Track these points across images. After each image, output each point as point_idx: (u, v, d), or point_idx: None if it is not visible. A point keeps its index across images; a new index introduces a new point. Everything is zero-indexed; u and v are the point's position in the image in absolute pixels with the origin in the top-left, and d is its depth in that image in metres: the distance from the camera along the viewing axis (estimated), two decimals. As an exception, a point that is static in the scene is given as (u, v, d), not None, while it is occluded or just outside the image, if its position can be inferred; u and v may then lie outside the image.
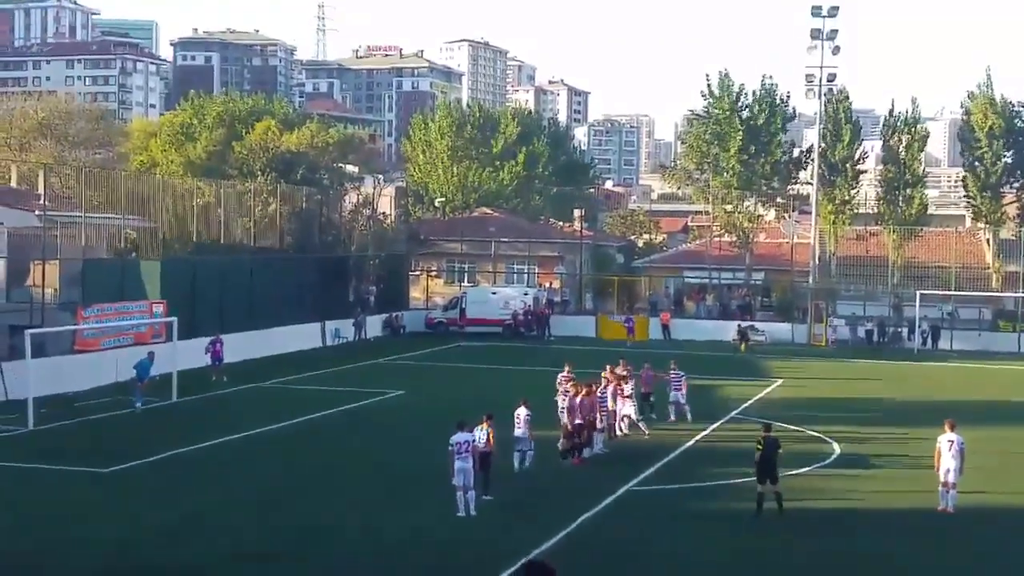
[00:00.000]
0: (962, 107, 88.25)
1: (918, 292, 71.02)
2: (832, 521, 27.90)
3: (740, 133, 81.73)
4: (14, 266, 53.33)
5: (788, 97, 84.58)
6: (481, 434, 28.95)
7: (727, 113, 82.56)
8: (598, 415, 35.37)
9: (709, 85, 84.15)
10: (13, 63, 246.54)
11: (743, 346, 68.44)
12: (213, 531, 26.28)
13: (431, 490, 29.82)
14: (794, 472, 31.70)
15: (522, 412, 32.13)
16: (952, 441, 28.48)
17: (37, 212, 56.51)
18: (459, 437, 27.61)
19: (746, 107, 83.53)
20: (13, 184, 71.58)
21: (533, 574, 9.41)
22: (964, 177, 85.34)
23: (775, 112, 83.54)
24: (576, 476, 31.87)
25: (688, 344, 68.72)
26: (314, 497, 29.52)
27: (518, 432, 31.84)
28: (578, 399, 34.22)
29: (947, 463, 28.45)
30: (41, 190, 63.08)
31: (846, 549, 25.48)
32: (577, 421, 33.90)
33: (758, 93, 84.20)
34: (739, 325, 71.36)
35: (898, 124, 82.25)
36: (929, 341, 70.61)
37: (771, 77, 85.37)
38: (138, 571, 23.45)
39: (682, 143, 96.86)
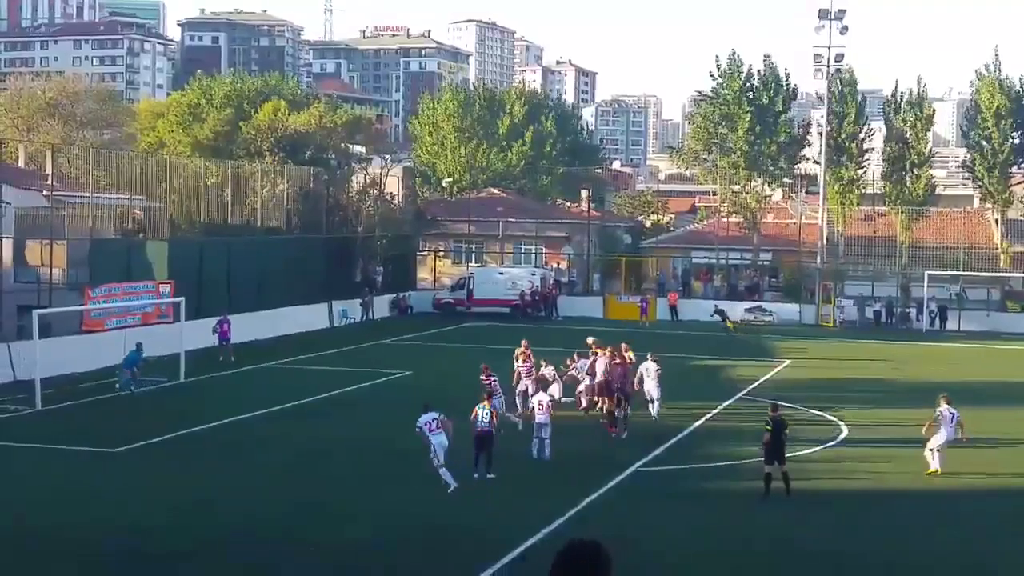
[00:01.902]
0: (970, 87, 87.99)
1: (926, 272, 70.87)
2: (840, 501, 27.94)
3: (748, 113, 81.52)
4: (21, 246, 53.38)
5: (788, 76, 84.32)
6: (484, 412, 29.00)
7: (735, 93, 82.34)
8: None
9: (719, 65, 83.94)
10: (21, 43, 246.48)
11: (730, 324, 68.08)
12: (222, 511, 26.35)
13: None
14: (801, 452, 31.73)
15: (544, 398, 32.00)
16: (954, 413, 30.32)
17: (45, 192, 56.54)
18: (426, 417, 28.13)
19: (752, 88, 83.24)
20: (21, 164, 71.55)
21: (578, 557, 7.30)
22: (972, 157, 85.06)
23: (778, 91, 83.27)
24: (583, 455, 31.87)
25: (696, 324, 68.76)
26: (322, 477, 29.57)
27: (540, 418, 31.33)
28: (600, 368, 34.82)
29: (948, 432, 30.13)
30: (49, 170, 63.03)
31: (854, 529, 25.48)
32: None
33: (763, 73, 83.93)
34: (715, 305, 71.35)
35: (902, 104, 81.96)
36: (937, 322, 70.50)
37: (771, 57, 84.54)
38: (149, 551, 23.50)
39: (690, 123, 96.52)
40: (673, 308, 73.04)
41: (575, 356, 40.23)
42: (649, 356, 38.38)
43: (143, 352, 43.27)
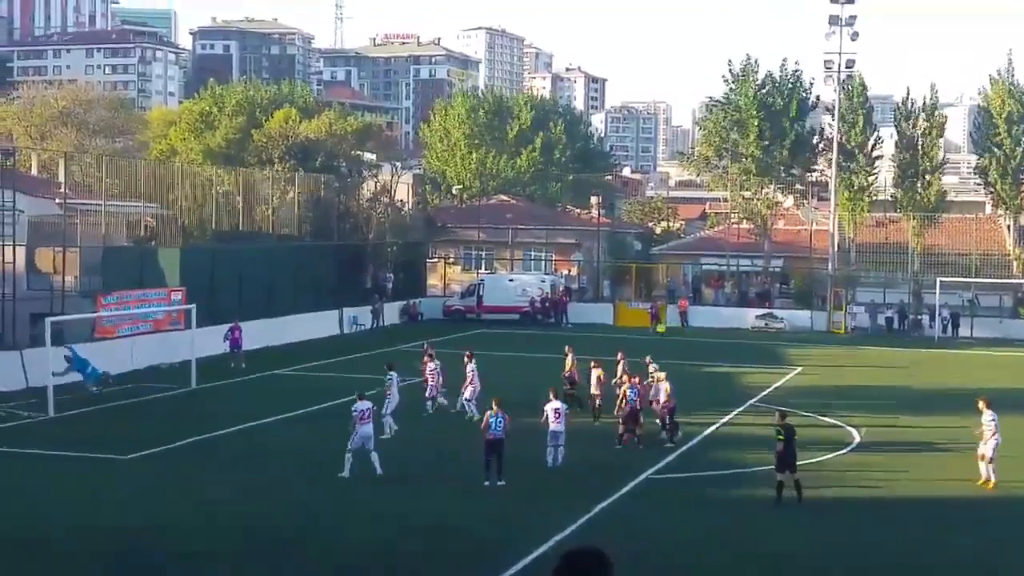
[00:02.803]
0: (980, 93, 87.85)
1: (938, 279, 70.67)
2: (852, 508, 27.89)
3: (758, 120, 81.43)
4: (34, 254, 53.51)
5: (812, 84, 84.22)
6: (497, 420, 29.02)
7: (748, 99, 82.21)
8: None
9: (731, 70, 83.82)
10: (34, 52, 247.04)
11: (658, 326, 69.24)
12: (232, 517, 26.38)
13: (448, 477, 29.95)
14: (813, 459, 31.69)
15: (561, 406, 31.78)
16: (995, 419, 29.98)
17: (57, 200, 56.67)
18: (361, 406, 30.30)
19: (767, 93, 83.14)
20: (34, 172, 71.71)
21: (579, 564, 7.34)
22: (984, 163, 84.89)
23: (794, 98, 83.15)
24: (594, 463, 31.86)
25: (706, 331, 68.71)
26: (332, 483, 29.56)
27: (555, 427, 31.12)
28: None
29: (998, 439, 29.82)
30: (61, 178, 63.17)
31: (865, 537, 25.45)
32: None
33: (779, 78, 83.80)
34: (652, 304, 72.44)
35: (913, 110, 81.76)
36: (949, 328, 70.32)
37: (796, 63, 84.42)
38: (160, 557, 23.55)
39: (701, 128, 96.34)
40: (683, 315, 73.06)
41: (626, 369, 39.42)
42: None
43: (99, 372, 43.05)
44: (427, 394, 40.06)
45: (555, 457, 31.21)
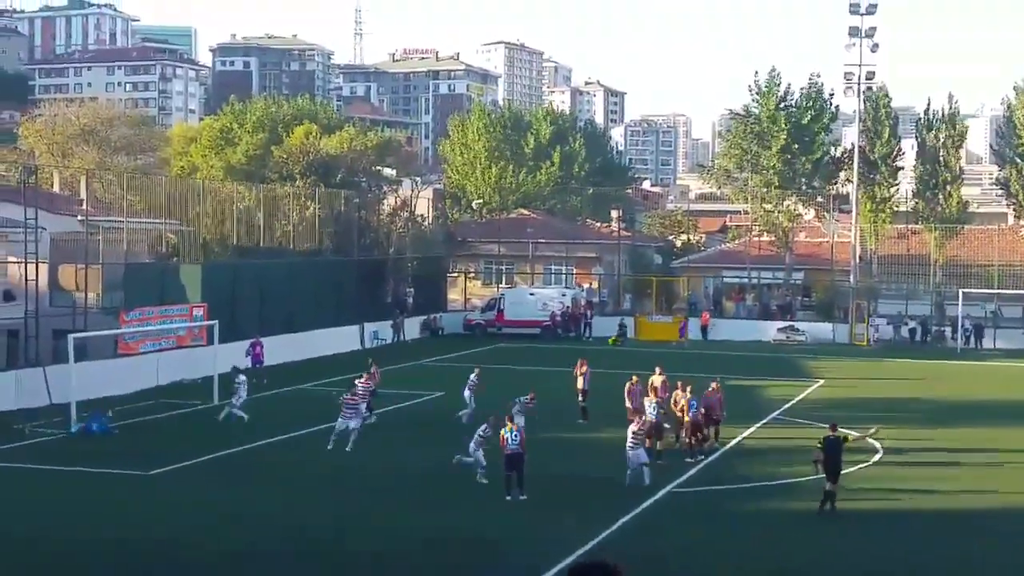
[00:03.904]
0: (1002, 103, 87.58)
1: (960, 291, 70.44)
2: (876, 521, 27.77)
3: (783, 132, 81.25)
4: (57, 271, 53.69)
5: (832, 95, 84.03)
6: (512, 435, 29.03)
7: (771, 111, 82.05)
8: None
9: (757, 82, 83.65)
10: (55, 70, 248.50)
11: (614, 339, 70.00)
12: (255, 532, 26.40)
13: (471, 490, 29.93)
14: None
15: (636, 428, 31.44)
16: None
17: (80, 217, 56.89)
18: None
19: (790, 106, 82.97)
20: (56, 190, 72.03)
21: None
22: (1006, 174, 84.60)
23: (820, 110, 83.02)
24: (618, 476, 31.78)
25: (727, 344, 68.56)
26: (353, 497, 29.64)
27: (632, 452, 30.76)
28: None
29: None
30: (83, 195, 63.48)
31: (886, 549, 25.34)
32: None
33: (805, 91, 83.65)
34: (621, 321, 73.13)
35: (934, 121, 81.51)
36: (972, 340, 70.03)
37: (819, 75, 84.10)
38: (183, 571, 23.59)
39: (723, 140, 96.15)
40: (704, 328, 72.94)
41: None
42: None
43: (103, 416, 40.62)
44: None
45: (639, 476, 30.69)
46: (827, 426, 29.75)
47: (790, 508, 28.15)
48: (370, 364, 43.13)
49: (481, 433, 30.88)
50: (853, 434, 30.06)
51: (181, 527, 26.75)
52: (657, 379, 38.89)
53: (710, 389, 36.88)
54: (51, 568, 23.99)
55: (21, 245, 47.81)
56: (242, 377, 42.10)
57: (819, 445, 28.27)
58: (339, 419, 35.83)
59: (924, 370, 59.50)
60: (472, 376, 41.93)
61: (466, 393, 41.06)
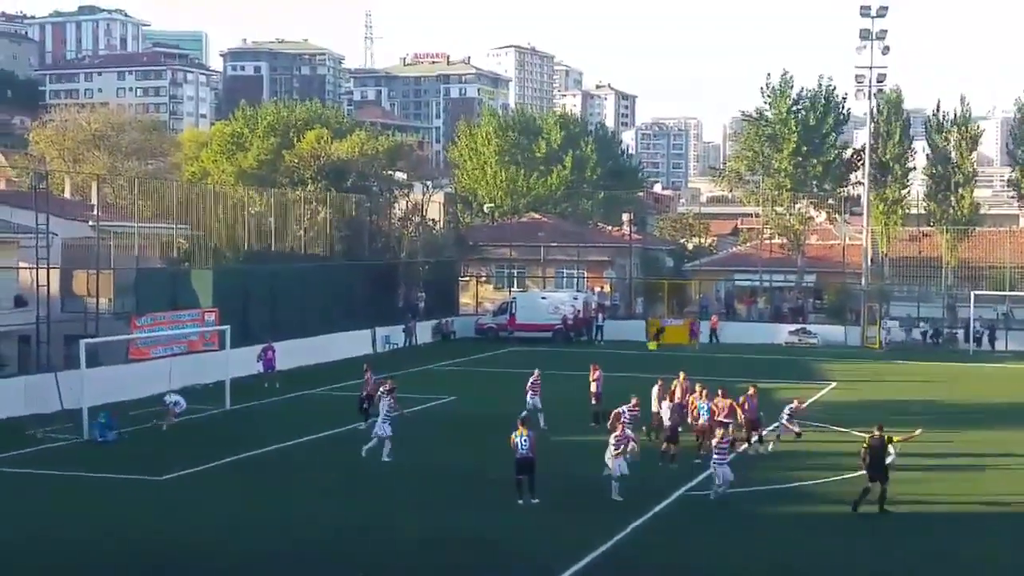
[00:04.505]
0: (1015, 104, 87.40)
1: (972, 292, 70.28)
2: (886, 525, 27.65)
3: (795, 134, 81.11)
4: (68, 277, 53.77)
5: (844, 99, 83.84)
6: (523, 440, 28.95)
7: (783, 114, 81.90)
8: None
9: (770, 84, 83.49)
10: (66, 76, 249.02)
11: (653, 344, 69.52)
12: (269, 536, 26.37)
13: (482, 493, 29.91)
14: (850, 475, 31.45)
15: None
16: None
17: (91, 223, 56.96)
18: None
19: (801, 109, 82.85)
20: (67, 195, 72.23)
21: None
22: (1018, 176, 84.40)
23: (830, 113, 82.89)
24: (631, 479, 31.71)
25: (739, 347, 68.39)
26: (365, 501, 29.65)
27: (720, 467, 29.81)
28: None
29: None
30: (94, 201, 63.59)
31: (905, 552, 25.24)
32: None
33: (814, 93, 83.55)
34: (660, 325, 72.70)
35: (945, 123, 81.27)
36: (985, 342, 69.85)
37: (830, 78, 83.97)
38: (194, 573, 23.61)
39: (735, 142, 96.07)
40: (714, 332, 72.73)
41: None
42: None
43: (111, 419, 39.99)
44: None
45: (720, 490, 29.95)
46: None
47: (803, 511, 28.05)
48: (365, 369, 42.83)
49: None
50: (899, 436, 29.85)
51: (192, 532, 26.73)
52: (677, 384, 38.73)
53: (748, 393, 36.75)
54: (61, 572, 24.00)
55: (32, 251, 47.86)
56: (175, 398, 41.50)
57: (865, 446, 28.53)
58: (375, 428, 35.27)
59: (936, 372, 59.35)
60: (532, 378, 41.25)
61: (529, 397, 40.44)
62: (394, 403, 35.55)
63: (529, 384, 41.01)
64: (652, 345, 69.69)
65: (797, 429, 37.10)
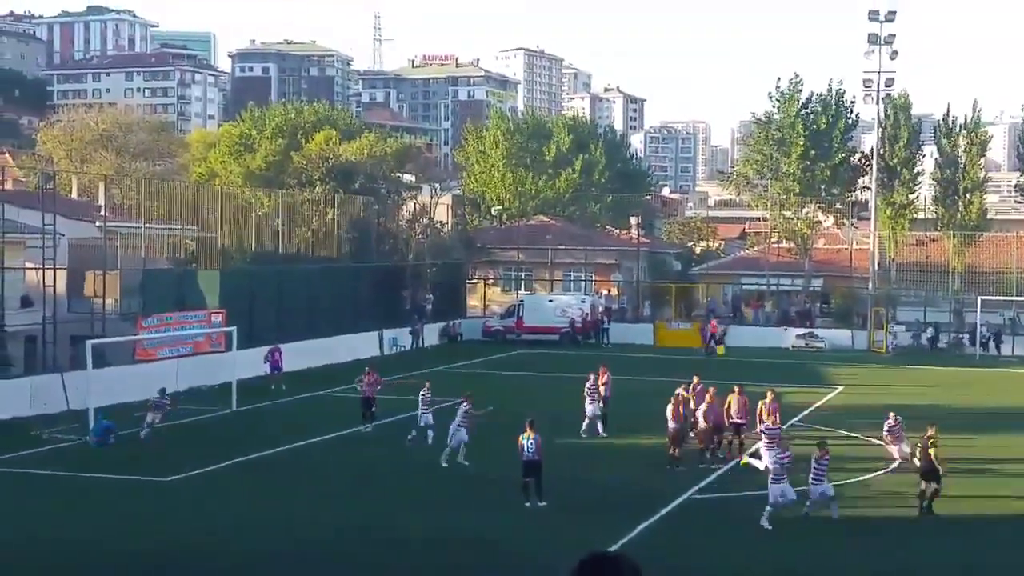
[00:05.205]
0: (1023, 110, 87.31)
1: (979, 297, 70.22)
2: (891, 529, 27.63)
3: (803, 138, 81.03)
4: (75, 277, 53.80)
5: (853, 103, 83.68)
6: (529, 442, 28.93)
7: (792, 118, 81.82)
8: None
9: (779, 87, 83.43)
10: (74, 76, 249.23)
11: (719, 348, 68.97)
12: (276, 538, 26.39)
13: (487, 495, 29.89)
14: (855, 479, 31.42)
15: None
16: None
17: (98, 223, 57.01)
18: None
19: (811, 112, 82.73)
20: (74, 195, 72.25)
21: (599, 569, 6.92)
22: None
23: (839, 117, 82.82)
24: (637, 482, 31.73)
25: (746, 351, 68.26)
26: (370, 502, 29.67)
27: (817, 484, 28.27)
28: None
29: None
30: (102, 201, 63.64)
31: (909, 557, 25.20)
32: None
33: (824, 97, 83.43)
34: (725, 328, 72.18)
35: (954, 128, 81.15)
36: (991, 346, 69.76)
37: (841, 83, 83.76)
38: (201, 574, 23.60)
39: (744, 146, 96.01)
40: (713, 336, 71.90)
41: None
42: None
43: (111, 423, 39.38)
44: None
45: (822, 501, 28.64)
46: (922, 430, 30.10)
47: (809, 515, 27.95)
48: (367, 372, 42.44)
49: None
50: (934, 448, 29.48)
51: (195, 533, 26.73)
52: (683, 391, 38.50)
53: (766, 400, 36.41)
54: (62, 572, 24.03)
55: (39, 251, 47.91)
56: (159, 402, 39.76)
57: (919, 445, 29.25)
58: (452, 434, 34.62)
59: (943, 377, 59.26)
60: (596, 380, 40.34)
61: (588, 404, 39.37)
62: (471, 408, 34.99)
63: (588, 387, 39.89)
64: (720, 350, 69.07)
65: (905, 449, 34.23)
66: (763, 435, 32.31)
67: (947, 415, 45.72)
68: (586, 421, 39.10)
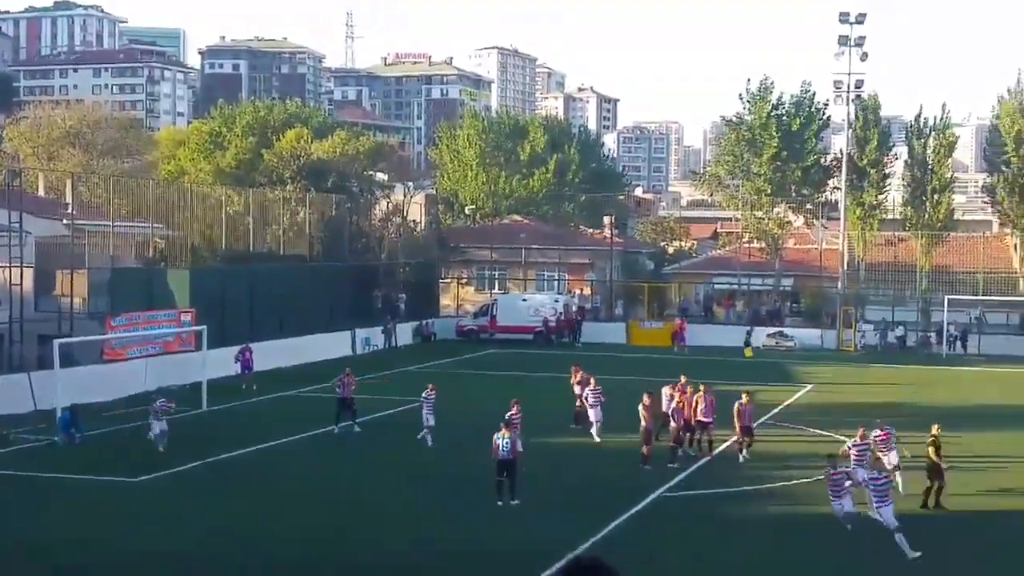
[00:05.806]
0: (992, 111, 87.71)
1: (946, 297, 70.67)
2: (861, 527, 27.68)
3: (775, 139, 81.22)
4: (42, 275, 53.47)
5: (825, 105, 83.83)
6: (504, 441, 28.94)
7: (763, 119, 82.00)
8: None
9: (749, 89, 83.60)
10: (41, 72, 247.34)
11: (749, 351, 68.71)
12: (245, 540, 26.29)
13: (462, 495, 29.87)
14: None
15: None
16: None
17: (65, 221, 56.70)
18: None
19: (783, 114, 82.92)
20: (41, 193, 71.77)
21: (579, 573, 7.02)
22: (992, 182, 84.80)
23: (811, 119, 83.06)
24: (609, 480, 31.75)
25: (713, 350, 68.31)
26: (343, 504, 29.58)
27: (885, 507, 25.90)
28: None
29: None
30: (69, 199, 63.29)
31: (875, 556, 25.27)
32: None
33: (795, 99, 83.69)
34: (749, 329, 71.81)
35: (924, 129, 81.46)
36: (958, 345, 70.20)
37: (810, 84, 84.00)
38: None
39: (715, 147, 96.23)
40: (678, 334, 71.62)
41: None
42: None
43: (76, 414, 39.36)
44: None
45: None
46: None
47: (778, 512, 28.08)
48: (347, 372, 41.86)
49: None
50: (933, 451, 29.71)
51: (167, 535, 26.61)
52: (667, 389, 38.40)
53: (742, 401, 36.40)
54: (31, 573, 23.85)
55: (6, 249, 47.57)
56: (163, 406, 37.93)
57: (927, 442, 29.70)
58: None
59: (910, 375, 59.59)
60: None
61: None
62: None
63: (590, 391, 39.97)
64: (748, 352, 68.81)
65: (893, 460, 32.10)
66: (850, 451, 30.15)
67: (914, 413, 45.98)
68: (594, 426, 39.02)
